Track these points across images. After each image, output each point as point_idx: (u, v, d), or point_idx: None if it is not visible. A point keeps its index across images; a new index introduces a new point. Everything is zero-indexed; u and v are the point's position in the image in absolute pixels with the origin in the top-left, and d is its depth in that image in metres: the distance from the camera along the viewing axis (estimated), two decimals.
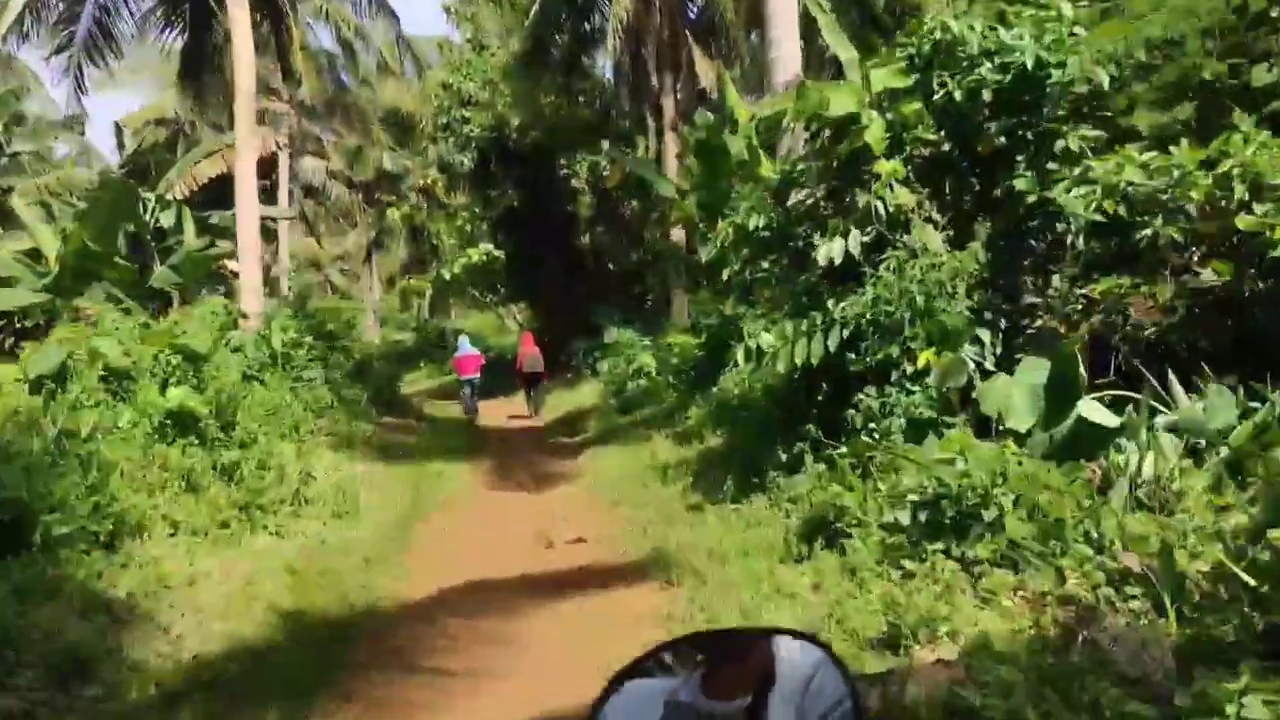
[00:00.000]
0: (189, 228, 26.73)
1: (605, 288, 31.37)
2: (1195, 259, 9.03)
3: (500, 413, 27.34)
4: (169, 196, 28.85)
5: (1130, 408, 7.92)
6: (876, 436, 8.78)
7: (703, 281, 21.79)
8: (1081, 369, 8.16)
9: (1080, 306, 9.56)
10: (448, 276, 27.62)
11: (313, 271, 66.10)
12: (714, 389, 15.01)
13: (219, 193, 38.80)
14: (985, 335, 9.09)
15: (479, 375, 26.14)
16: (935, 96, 9.68)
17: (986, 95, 9.38)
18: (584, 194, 29.98)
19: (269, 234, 37.13)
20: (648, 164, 23.57)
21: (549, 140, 27.79)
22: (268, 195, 35.88)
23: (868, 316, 9.21)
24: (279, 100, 36.67)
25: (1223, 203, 8.57)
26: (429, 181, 33.84)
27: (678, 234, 24.90)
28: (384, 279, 60.78)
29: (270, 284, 35.06)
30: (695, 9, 27.95)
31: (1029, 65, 9.13)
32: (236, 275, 33.87)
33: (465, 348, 26.62)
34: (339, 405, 17.77)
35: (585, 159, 29.01)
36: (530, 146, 27.63)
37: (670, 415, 16.79)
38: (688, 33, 26.58)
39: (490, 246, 27.48)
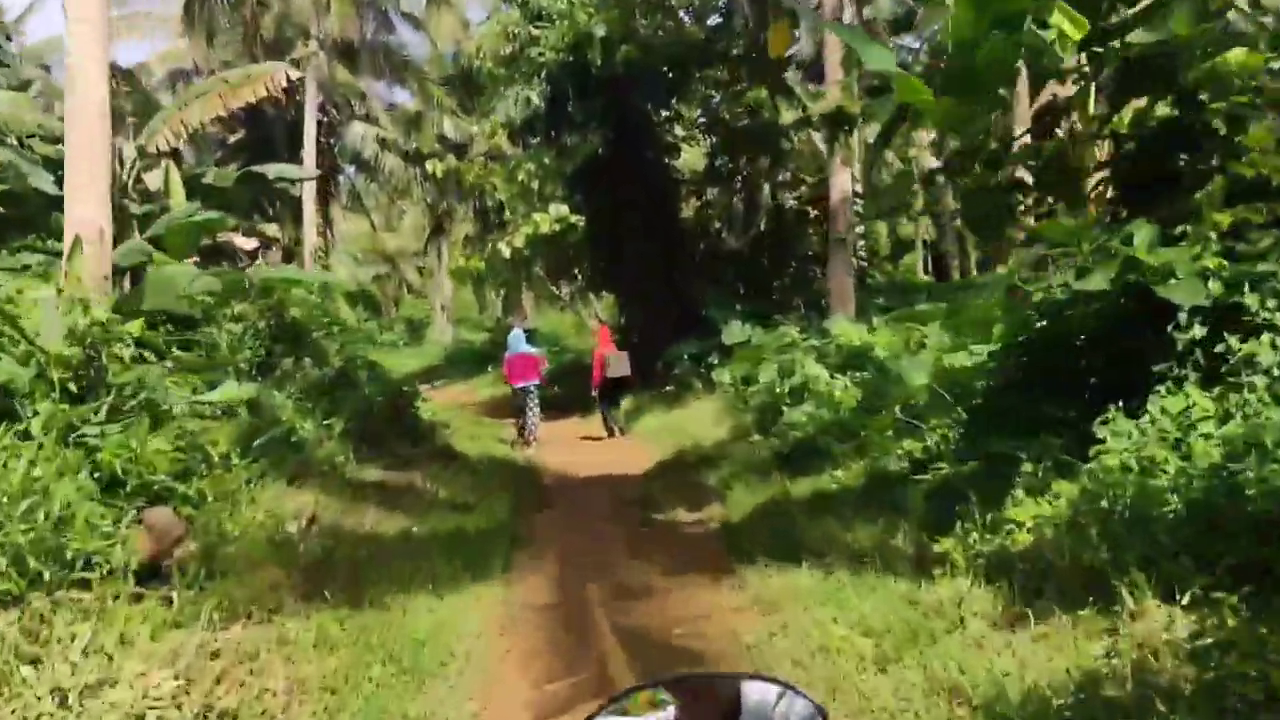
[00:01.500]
0: (175, 187, 19.01)
1: (716, 271, 22.61)
2: None
3: (568, 436, 18.76)
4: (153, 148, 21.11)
5: None
6: None
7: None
8: None
9: None
10: (507, 253, 19.19)
11: (381, 264, 58.52)
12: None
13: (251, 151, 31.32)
14: None
15: (538, 383, 18.05)
16: None
17: None
18: (694, 141, 21.40)
19: (285, 201, 29.32)
20: (843, 26, 14.35)
21: (644, 62, 19.13)
22: (290, 153, 27.80)
23: None
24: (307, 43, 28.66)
25: None
26: (493, 140, 25.32)
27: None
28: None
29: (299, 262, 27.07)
30: None
31: None
32: (253, 254, 26.00)
33: (519, 345, 18.39)
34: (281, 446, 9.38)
35: (698, 92, 20.40)
36: (621, 70, 18.97)
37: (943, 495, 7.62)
38: None
39: (564, 210, 18.91)
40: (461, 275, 22.30)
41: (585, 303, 41.32)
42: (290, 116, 33.46)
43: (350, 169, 37.36)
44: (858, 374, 11.94)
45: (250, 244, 23.44)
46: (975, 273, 36.47)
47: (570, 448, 16.86)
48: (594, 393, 18.68)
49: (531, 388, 18.18)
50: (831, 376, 12.28)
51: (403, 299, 70.14)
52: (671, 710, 1.65)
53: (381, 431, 12.73)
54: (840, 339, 13.51)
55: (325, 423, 11.19)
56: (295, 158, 30.06)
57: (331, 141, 34.71)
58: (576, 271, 23.82)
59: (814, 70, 20.93)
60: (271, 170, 22.99)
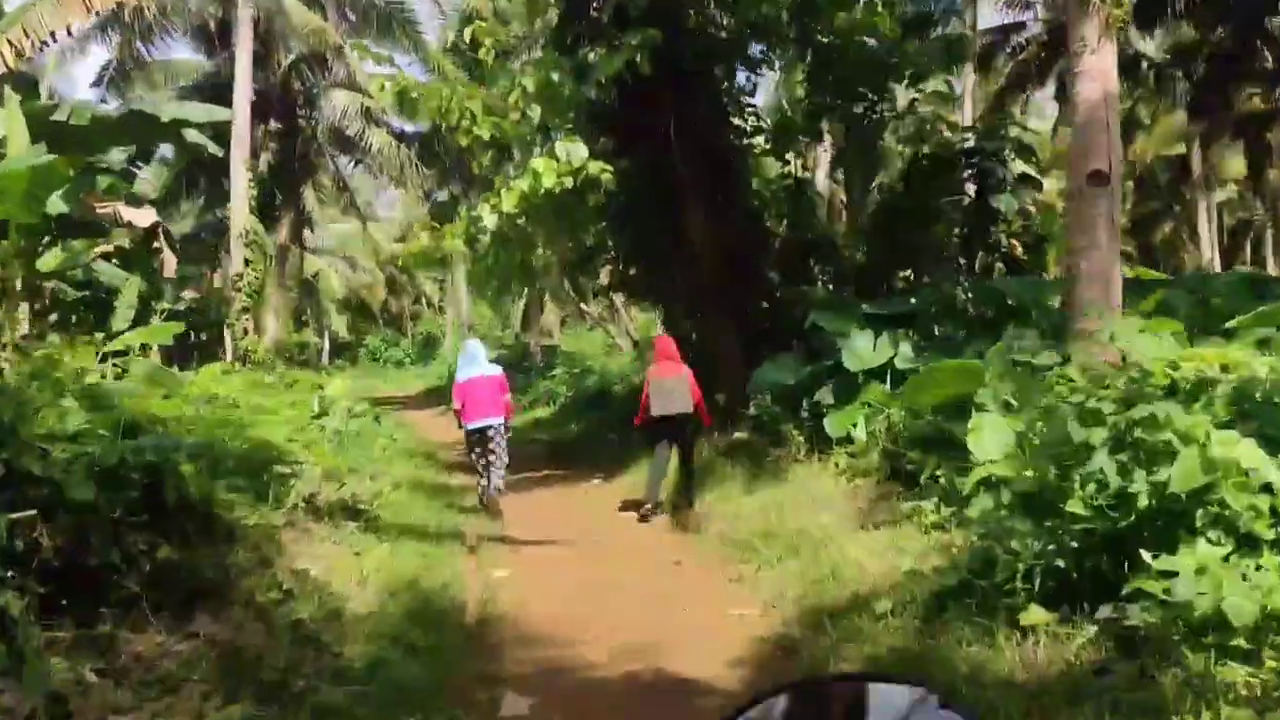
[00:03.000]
0: (14, 123, 12.30)
1: (802, 265, 14.94)
2: None
3: (581, 518, 11.08)
4: None
5: None
6: None
7: None
8: None
9: None
10: (491, 223, 11.46)
11: (383, 272, 51.10)
12: None
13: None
14: None
15: (504, 422, 11.42)
16: None
17: None
18: (781, 45, 13.77)
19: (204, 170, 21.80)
20: None
21: None
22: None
23: None
24: None
25: None
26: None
27: None
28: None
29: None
30: None
31: None
32: (152, 232, 18.51)
33: (474, 363, 11.71)
34: None
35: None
36: None
37: None
38: None
39: (582, 151, 11.17)
40: (425, 261, 14.45)
41: (613, 315, 33.77)
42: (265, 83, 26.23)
43: (347, 164, 30.10)
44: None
45: (145, 217, 16.19)
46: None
47: (582, 552, 9.12)
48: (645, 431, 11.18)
49: (495, 429, 11.11)
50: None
51: (422, 315, 63.03)
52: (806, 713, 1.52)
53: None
54: (1156, 357, 5.78)
55: None
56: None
57: (310, 115, 27.41)
58: (602, 260, 16.15)
59: None
60: (167, 111, 15.66)
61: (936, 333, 10.76)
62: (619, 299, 29.47)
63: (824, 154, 17.99)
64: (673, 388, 10.57)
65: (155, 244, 16.59)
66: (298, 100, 26.63)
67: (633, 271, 16.38)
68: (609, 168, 11.81)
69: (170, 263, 17.11)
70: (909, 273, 13.59)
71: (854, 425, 9.60)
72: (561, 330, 50.71)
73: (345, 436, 14.46)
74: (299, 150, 26.61)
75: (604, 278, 17.35)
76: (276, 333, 27.39)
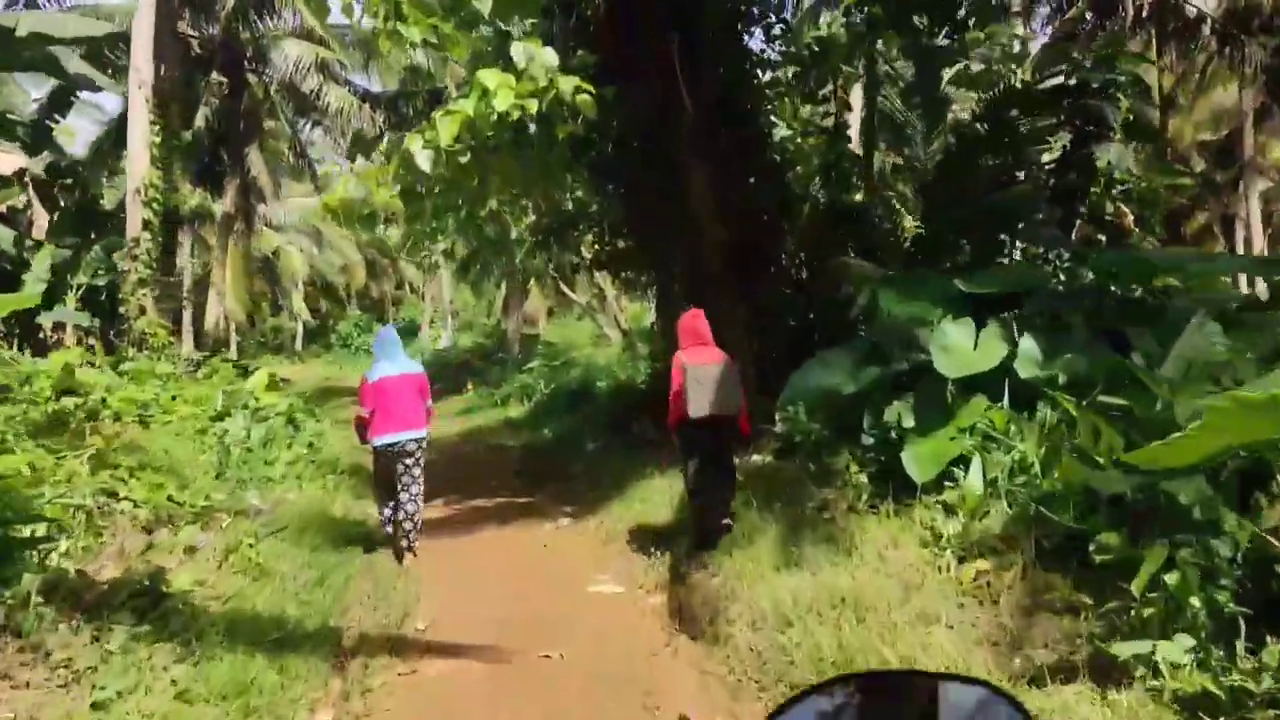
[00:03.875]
0: None
1: (829, 237, 11.36)
2: None
3: (551, 574, 7.50)
4: None
5: None
6: None
7: None
8: None
9: None
10: (425, 162, 8.05)
11: (364, 255, 47.30)
12: None
13: None
14: None
15: (425, 436, 8.38)
16: None
17: None
18: None
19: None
20: None
21: None
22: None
23: None
24: None
25: None
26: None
27: None
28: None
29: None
30: None
31: None
32: (17, 179, 14.38)
33: (390, 357, 8.44)
34: None
35: None
36: None
37: None
38: None
39: (550, 59, 7.63)
40: (350, 214, 10.69)
41: (602, 303, 30.09)
42: (200, 26, 22.46)
43: (304, 126, 26.27)
44: None
45: (9, 163, 12.53)
46: None
47: (521, 682, 5.53)
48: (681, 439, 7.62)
49: (412, 444, 8.17)
50: None
51: (405, 301, 59.16)
52: (856, 708, 1.47)
53: None
54: None
55: None
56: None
57: (259, 69, 23.64)
58: (585, 229, 12.50)
59: None
60: (26, 23, 11.97)
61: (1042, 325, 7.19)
62: (605, 281, 25.95)
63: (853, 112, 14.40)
64: (718, 378, 7.10)
65: (19, 198, 12.91)
66: (245, 51, 22.85)
67: (621, 244, 12.79)
68: (588, 89, 8.18)
69: (41, 221, 13.46)
70: (966, 243, 9.97)
71: (956, 466, 6.04)
72: (548, 320, 47.15)
73: (236, 446, 10.91)
74: (245, 107, 22.84)
75: (586, 251, 13.73)
76: (221, 314, 23.73)
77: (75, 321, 16.92)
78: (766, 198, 10.75)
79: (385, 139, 12.99)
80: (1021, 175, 10.20)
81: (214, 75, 22.21)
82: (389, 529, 8.25)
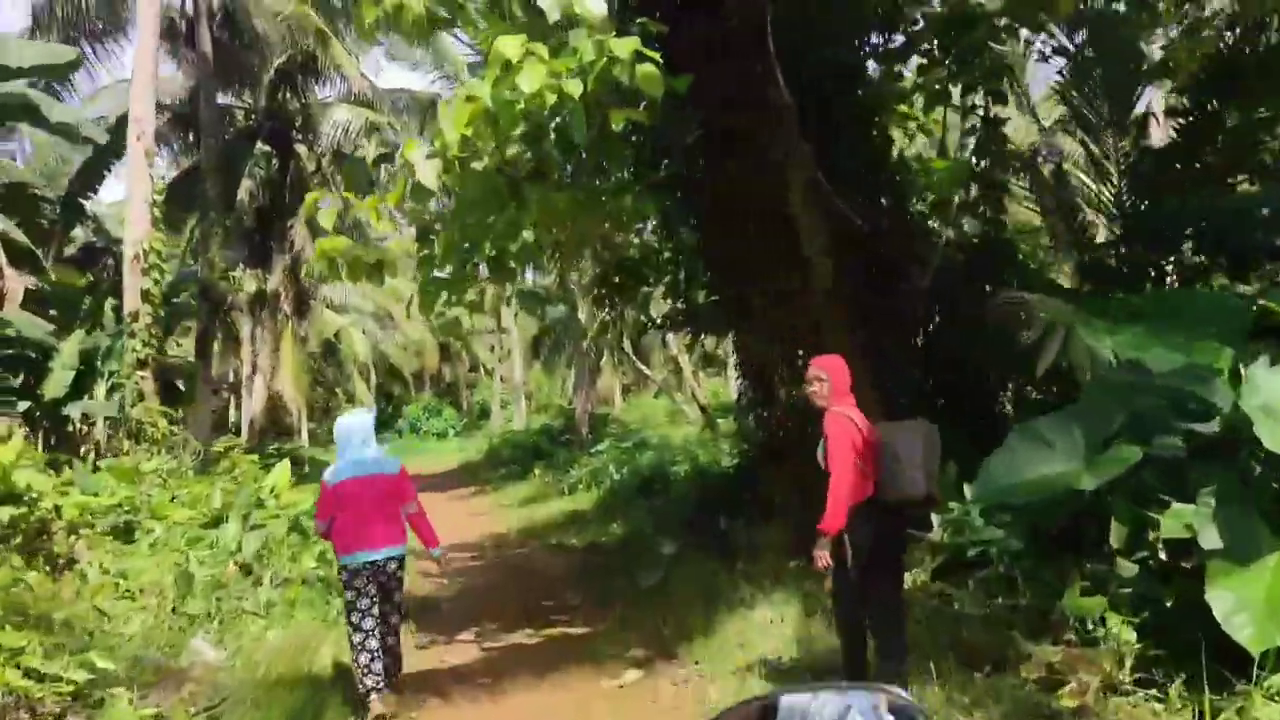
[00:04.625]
0: None
1: (982, 268, 8.55)
2: None
3: None
4: None
5: None
6: None
7: None
8: None
9: None
10: (425, 176, 5.75)
11: (437, 338, 45.54)
12: None
13: None
14: None
15: (404, 553, 5.87)
16: None
17: None
18: None
19: None
20: None
21: None
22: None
23: None
24: None
25: None
26: None
27: None
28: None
29: None
30: None
31: None
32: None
33: (357, 446, 5.80)
34: None
35: None
36: None
37: None
38: None
39: (595, 7, 5.35)
40: (356, 266, 8.17)
41: (679, 378, 27.44)
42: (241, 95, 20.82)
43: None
44: None
45: None
46: None
47: None
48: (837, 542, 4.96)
49: (392, 563, 5.81)
50: None
51: (480, 383, 57.14)
52: None
53: None
54: None
55: None
56: None
57: (306, 136, 21.82)
58: (650, 278, 9.84)
59: None
60: None
61: None
62: (680, 352, 23.35)
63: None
64: (913, 445, 4.67)
65: None
66: (293, 120, 21.06)
67: (700, 297, 10.15)
68: (653, 56, 5.62)
69: (16, 288, 11.39)
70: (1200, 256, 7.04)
71: None
72: (624, 398, 44.71)
73: (215, 564, 8.41)
74: (293, 178, 20.98)
75: (656, 310, 11.11)
76: (264, 402, 21.62)
77: (105, 413, 14.81)
78: (897, 226, 8.04)
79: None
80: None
81: (259, 146, 20.49)
82: (368, 682, 5.64)
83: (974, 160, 7.84)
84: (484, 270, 7.61)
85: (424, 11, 6.17)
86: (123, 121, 17.00)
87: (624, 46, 5.56)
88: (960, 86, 7.69)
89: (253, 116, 21.01)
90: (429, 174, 6.14)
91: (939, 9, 7.57)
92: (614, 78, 5.72)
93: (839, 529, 4.81)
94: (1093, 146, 7.27)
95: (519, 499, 19.72)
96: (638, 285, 10.41)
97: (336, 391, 44.15)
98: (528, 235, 6.66)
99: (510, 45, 5.59)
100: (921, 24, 7.85)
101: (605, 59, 5.60)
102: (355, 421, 5.94)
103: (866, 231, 7.77)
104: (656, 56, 5.67)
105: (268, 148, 20.67)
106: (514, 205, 6.94)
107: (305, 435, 37.60)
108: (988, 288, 8.36)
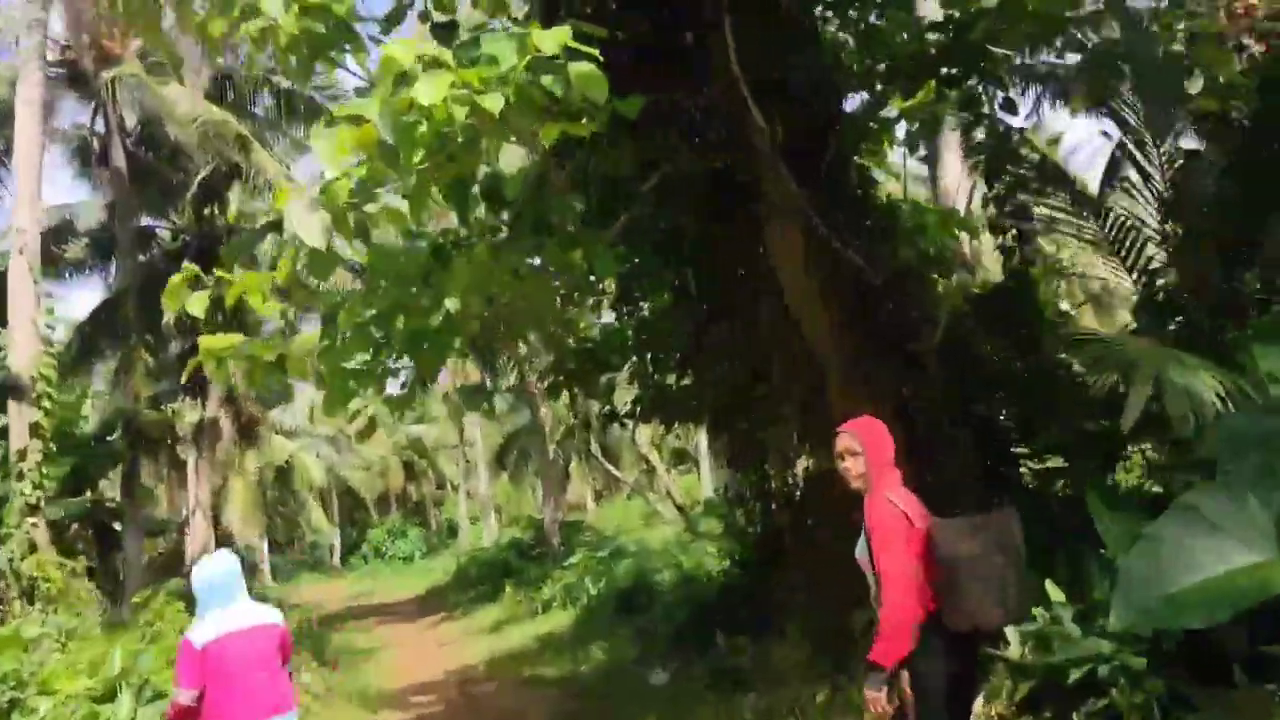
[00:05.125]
0: None
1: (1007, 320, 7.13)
2: None
3: None
4: None
5: None
6: None
7: None
8: None
9: None
10: (304, 224, 4.52)
11: (399, 456, 43.64)
12: None
13: None
14: None
15: None
16: None
17: None
18: None
19: None
20: None
21: None
22: None
23: None
24: None
25: None
26: None
27: None
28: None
29: None
30: None
31: None
32: None
33: (225, 595, 4.26)
34: None
35: None
36: None
37: None
38: None
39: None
40: (255, 373, 6.57)
41: (650, 477, 25.83)
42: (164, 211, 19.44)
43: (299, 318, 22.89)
44: None
45: None
46: None
47: None
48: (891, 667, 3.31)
49: None
50: None
51: (448, 500, 54.73)
52: None
53: None
54: None
55: None
56: None
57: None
58: (612, 359, 8.33)
59: None
60: None
61: None
62: (651, 450, 21.87)
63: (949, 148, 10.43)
64: (987, 554, 3.28)
65: None
66: (221, 237, 19.62)
67: (671, 379, 8.68)
68: (591, 53, 4.25)
69: None
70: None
71: None
72: (596, 503, 42.88)
73: None
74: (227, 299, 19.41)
75: (621, 395, 9.63)
76: (203, 539, 19.62)
77: None
78: (898, 278, 6.68)
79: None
80: None
81: (185, 265, 18.96)
82: None
83: (987, 184, 6.53)
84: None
85: (298, 33, 4.80)
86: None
87: (551, 39, 4.19)
88: (961, 100, 6.42)
89: (180, 236, 19.60)
90: (313, 231, 4.69)
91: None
92: (542, 86, 4.35)
93: (899, 659, 3.34)
94: (1137, 155, 5.97)
95: (489, 624, 17.80)
96: (598, 371, 8.92)
97: (299, 522, 41.86)
98: (451, 305, 5.16)
99: (403, 50, 4.20)
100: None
101: (529, 58, 4.23)
102: (218, 569, 4.37)
103: (877, 284, 6.38)
104: (594, 52, 4.31)
105: (196, 266, 19.15)
106: (437, 271, 5.51)
107: (268, 570, 35.28)
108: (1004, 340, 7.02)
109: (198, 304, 5.62)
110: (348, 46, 5.07)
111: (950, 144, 10.95)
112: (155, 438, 20.98)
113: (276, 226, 5.76)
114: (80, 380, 20.53)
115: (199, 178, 17.89)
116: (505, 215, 6.12)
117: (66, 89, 15.83)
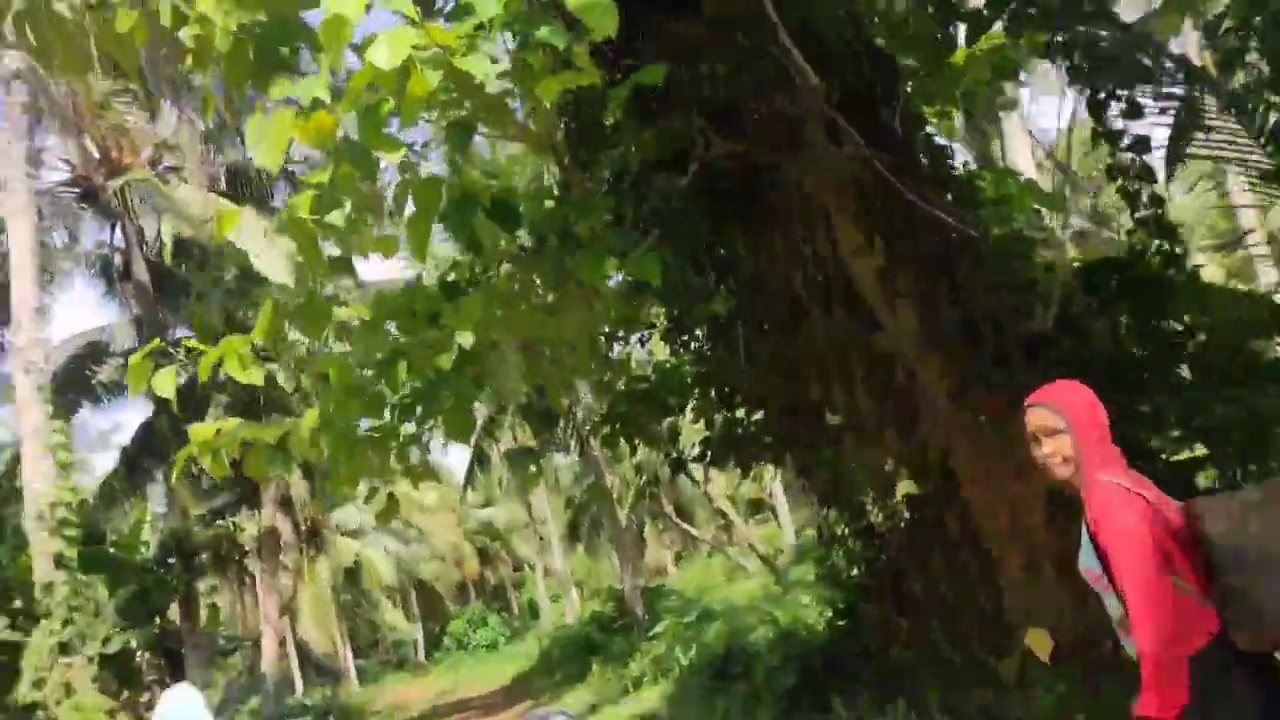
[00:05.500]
0: None
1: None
2: None
3: None
4: None
5: None
6: None
7: None
8: None
9: None
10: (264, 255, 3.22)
11: (473, 543, 42.73)
12: None
13: None
14: None
15: None
16: None
17: None
18: None
19: None
20: None
21: None
22: None
23: None
24: None
25: None
26: None
27: None
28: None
29: None
30: None
31: None
32: None
33: None
34: None
35: None
36: None
37: None
38: None
39: None
40: (218, 461, 5.51)
41: (728, 529, 24.51)
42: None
43: None
44: None
45: None
46: None
47: None
48: None
49: None
50: None
51: (526, 579, 53.44)
52: None
53: None
54: None
55: None
56: None
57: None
58: (671, 400, 7.22)
59: None
60: None
61: None
62: (725, 502, 20.64)
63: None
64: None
65: None
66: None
67: (741, 414, 7.58)
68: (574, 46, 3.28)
69: None
70: None
71: None
72: (676, 565, 41.50)
73: None
74: (268, 404, 18.81)
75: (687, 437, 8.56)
76: (274, 653, 18.71)
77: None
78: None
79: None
80: None
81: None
82: None
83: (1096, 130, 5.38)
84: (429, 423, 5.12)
85: (236, 30, 3.88)
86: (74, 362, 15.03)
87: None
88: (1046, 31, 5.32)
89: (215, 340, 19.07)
90: (275, 264, 3.73)
91: None
92: (535, 38, 3.37)
93: (1180, 710, 2.25)
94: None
95: (580, 710, 16.57)
96: (657, 415, 7.84)
97: (375, 621, 40.96)
98: (464, 340, 4.16)
99: (353, 6, 3.25)
100: None
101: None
102: (178, 708, 3.37)
103: (968, 261, 5.26)
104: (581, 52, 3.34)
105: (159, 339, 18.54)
106: (448, 310, 4.52)
107: (353, 674, 34.32)
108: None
109: (165, 382, 4.68)
110: (304, 46, 4.15)
111: (1016, 127, 9.87)
112: (221, 554, 20.33)
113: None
114: (136, 503, 19.93)
115: (223, 282, 17.36)
116: (522, 238, 5.17)
117: (83, 208, 15.42)
